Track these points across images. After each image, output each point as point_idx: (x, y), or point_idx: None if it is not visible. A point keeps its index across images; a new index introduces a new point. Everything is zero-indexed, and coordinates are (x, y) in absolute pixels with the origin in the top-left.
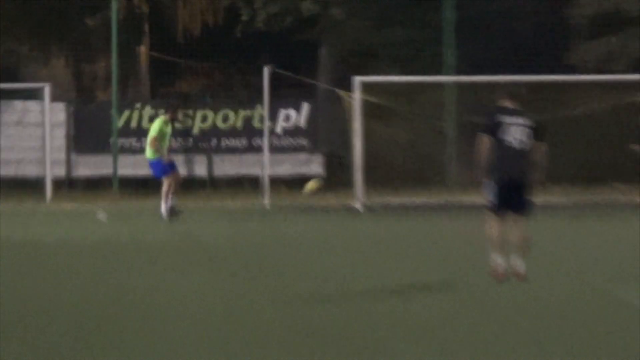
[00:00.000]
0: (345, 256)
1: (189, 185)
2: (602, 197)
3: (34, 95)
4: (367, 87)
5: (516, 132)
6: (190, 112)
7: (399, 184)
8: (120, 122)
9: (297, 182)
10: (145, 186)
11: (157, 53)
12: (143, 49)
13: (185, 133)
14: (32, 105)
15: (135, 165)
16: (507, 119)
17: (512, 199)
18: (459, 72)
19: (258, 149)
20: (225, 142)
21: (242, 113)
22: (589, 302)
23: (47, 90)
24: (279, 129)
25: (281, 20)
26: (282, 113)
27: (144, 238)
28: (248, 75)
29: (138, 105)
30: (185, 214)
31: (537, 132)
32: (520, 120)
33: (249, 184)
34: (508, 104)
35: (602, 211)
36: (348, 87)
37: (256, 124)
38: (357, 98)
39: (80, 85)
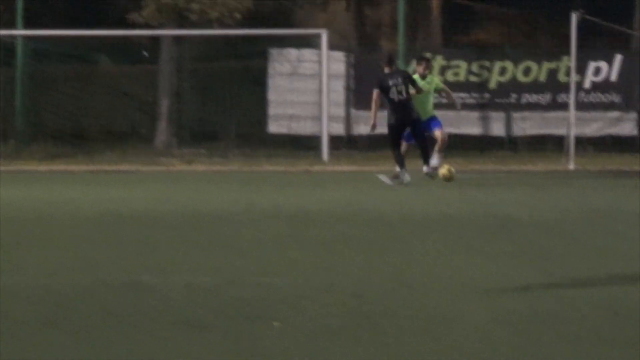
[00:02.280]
0: None
1: (484, 146)
2: None
3: (309, 42)
4: None
5: None
6: (488, 63)
7: None
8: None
9: (607, 144)
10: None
11: None
12: None
13: (481, 87)
14: (307, 54)
15: None
16: None
17: None
18: None
19: (563, 106)
20: (526, 98)
21: (546, 65)
22: None
23: (324, 37)
24: (587, 84)
25: None
26: (592, 66)
27: (429, 206)
28: (553, 22)
29: (428, 55)
30: (479, 178)
31: None
32: None
33: (552, 144)
34: None
35: None
36: None
37: (562, 77)
38: None
39: (361, 33)
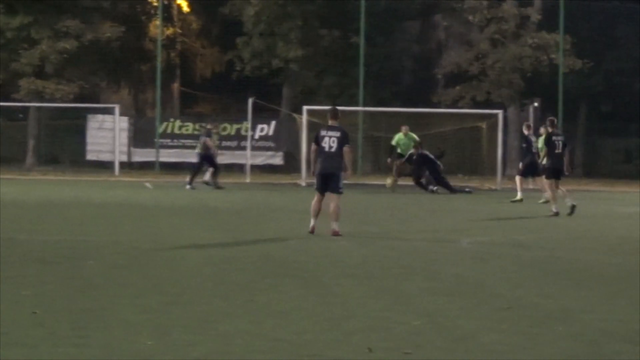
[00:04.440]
0: (284, 212)
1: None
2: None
3: (109, 110)
4: (310, 112)
5: (329, 141)
6: (204, 124)
7: None
8: (160, 130)
9: (266, 168)
10: (176, 168)
11: (184, 88)
12: (175, 85)
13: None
14: (108, 117)
15: (169, 155)
16: (325, 133)
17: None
18: (366, 105)
19: (244, 148)
20: (224, 143)
21: (235, 126)
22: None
23: (117, 109)
24: (257, 136)
25: (260, 70)
26: (259, 127)
27: (172, 200)
28: (239, 103)
29: (172, 119)
30: (199, 187)
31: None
32: (333, 133)
33: (238, 168)
34: (331, 122)
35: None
36: (299, 112)
37: (243, 132)
38: (304, 119)
39: (137, 106)
